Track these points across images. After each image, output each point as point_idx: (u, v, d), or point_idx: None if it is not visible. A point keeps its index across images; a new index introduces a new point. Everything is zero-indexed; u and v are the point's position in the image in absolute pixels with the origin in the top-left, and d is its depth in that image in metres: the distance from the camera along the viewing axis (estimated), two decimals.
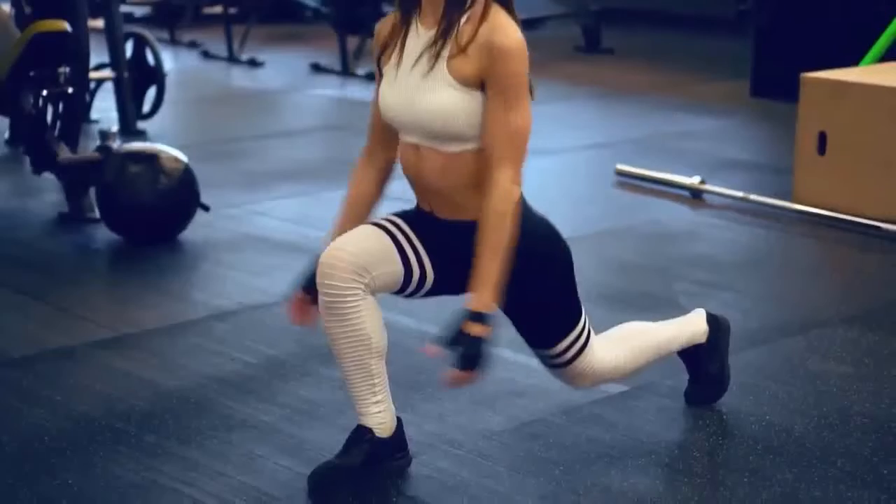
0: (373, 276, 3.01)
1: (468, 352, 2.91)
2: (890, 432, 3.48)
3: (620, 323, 3.55)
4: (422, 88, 2.99)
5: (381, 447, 3.15)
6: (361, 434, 3.14)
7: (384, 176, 3.25)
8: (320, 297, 3.04)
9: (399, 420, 3.20)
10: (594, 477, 3.23)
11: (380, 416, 3.13)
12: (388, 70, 3.08)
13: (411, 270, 3.08)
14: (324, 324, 3.06)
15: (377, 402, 3.13)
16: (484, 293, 2.93)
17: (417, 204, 3.19)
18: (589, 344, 3.27)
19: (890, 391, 3.76)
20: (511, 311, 3.20)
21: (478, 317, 2.92)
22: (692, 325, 3.57)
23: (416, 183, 3.13)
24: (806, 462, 3.31)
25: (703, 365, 3.59)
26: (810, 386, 3.81)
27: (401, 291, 3.13)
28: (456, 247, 3.06)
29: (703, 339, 3.57)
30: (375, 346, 3.06)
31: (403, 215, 3.16)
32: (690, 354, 3.58)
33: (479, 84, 2.96)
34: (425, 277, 3.10)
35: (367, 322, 3.03)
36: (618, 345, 3.39)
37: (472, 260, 2.95)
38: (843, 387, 3.80)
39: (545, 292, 3.16)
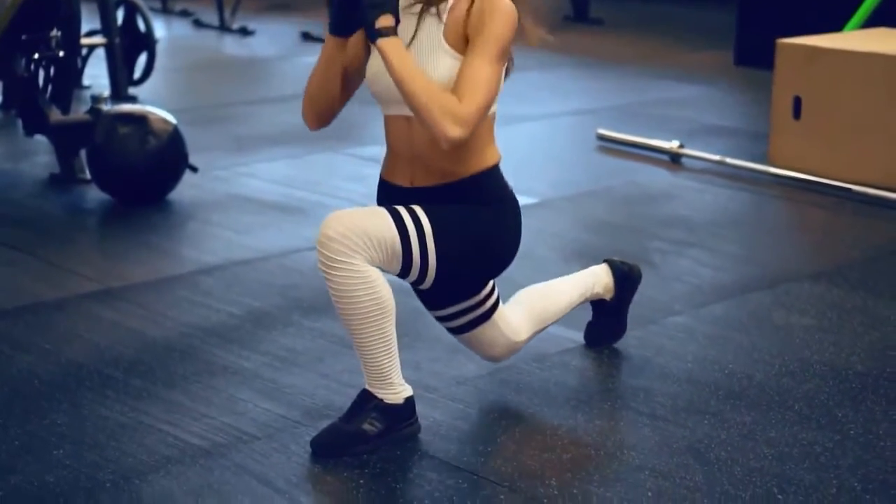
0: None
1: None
2: (847, 379, 3.63)
3: None
4: (421, 63, 3.06)
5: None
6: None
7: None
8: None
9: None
10: (561, 419, 3.37)
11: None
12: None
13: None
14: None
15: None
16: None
17: (385, 184, 3.25)
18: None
19: (850, 342, 3.90)
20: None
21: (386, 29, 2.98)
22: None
23: (403, 155, 3.19)
24: (765, 406, 3.45)
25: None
26: (774, 337, 3.95)
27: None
28: (430, 203, 3.17)
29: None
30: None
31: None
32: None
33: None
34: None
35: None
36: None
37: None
38: (806, 338, 3.94)
39: (472, 220, 3.17)
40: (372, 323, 3.07)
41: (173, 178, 5.37)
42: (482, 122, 3.09)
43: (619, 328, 3.82)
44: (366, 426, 3.14)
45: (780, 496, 2.96)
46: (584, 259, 4.64)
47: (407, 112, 3.10)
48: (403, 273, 3.14)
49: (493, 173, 3.22)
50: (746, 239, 5.03)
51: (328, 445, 3.14)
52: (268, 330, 3.96)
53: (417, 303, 4.13)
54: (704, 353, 3.80)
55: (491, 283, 3.41)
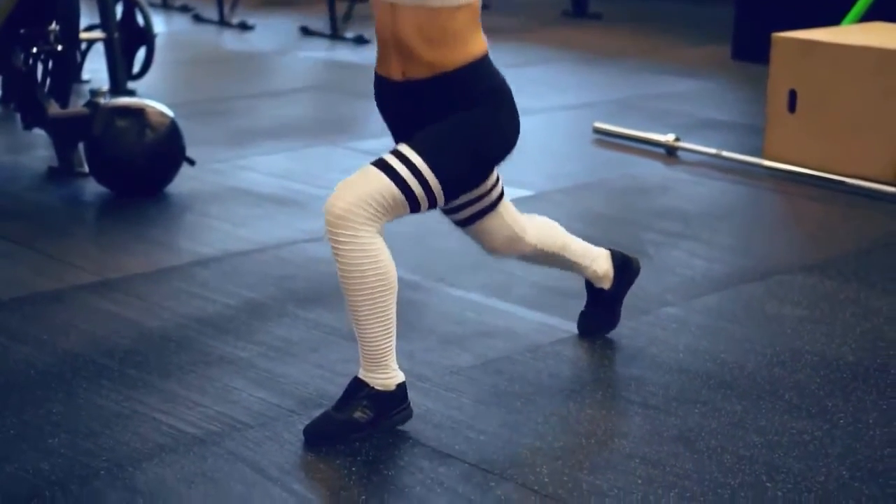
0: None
1: None
2: (838, 369, 3.65)
3: None
4: None
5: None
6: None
7: None
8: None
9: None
10: (553, 408, 3.40)
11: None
12: None
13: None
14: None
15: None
16: None
17: (381, 79, 3.26)
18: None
19: (841, 332, 3.93)
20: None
21: None
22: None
23: (390, 44, 3.18)
24: (755, 395, 3.48)
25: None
26: (766, 328, 3.97)
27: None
28: (425, 107, 3.18)
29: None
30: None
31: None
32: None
33: None
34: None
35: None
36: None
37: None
38: (798, 328, 3.96)
39: (463, 129, 3.17)
40: (375, 299, 3.11)
41: (171, 170, 5.39)
42: (465, 11, 3.11)
43: (612, 319, 3.85)
44: (357, 414, 3.16)
45: (768, 484, 2.99)
46: None
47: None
48: (415, 210, 3.19)
49: (484, 63, 3.20)
50: (740, 231, 5.05)
51: (320, 434, 3.17)
52: (263, 320, 3.98)
53: (410, 294, 4.17)
54: (696, 344, 3.82)
55: (495, 173, 3.41)
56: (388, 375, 3.20)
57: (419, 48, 3.13)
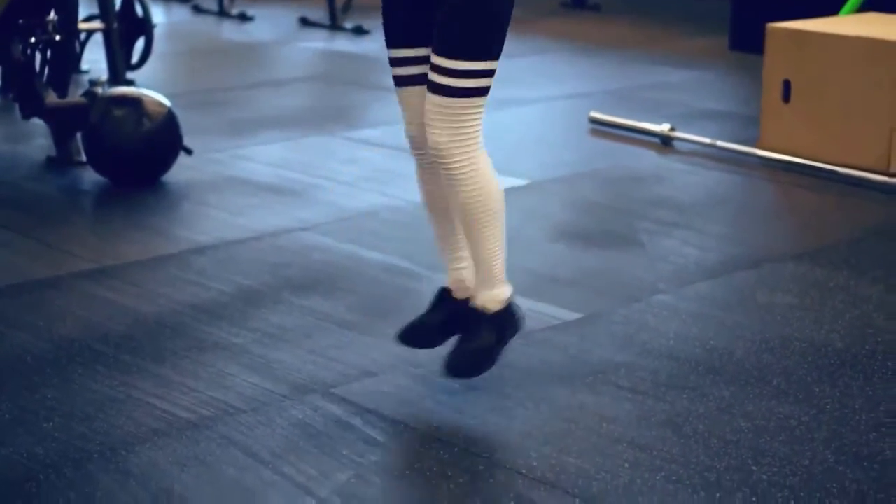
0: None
1: None
2: (826, 356, 3.68)
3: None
4: None
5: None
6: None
7: None
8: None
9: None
10: (543, 393, 3.43)
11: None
12: None
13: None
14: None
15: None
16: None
17: None
18: (477, 104, 3.24)
19: (831, 319, 3.96)
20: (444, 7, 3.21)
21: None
22: (499, 266, 3.42)
23: None
24: (743, 381, 3.51)
25: (480, 334, 3.40)
26: (756, 315, 4.01)
27: None
28: None
29: (497, 306, 3.39)
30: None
31: (388, 34, 3.34)
32: (473, 315, 3.43)
33: None
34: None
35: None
36: (492, 177, 3.33)
37: None
38: (787, 315, 4.00)
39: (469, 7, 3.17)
40: (498, 213, 3.31)
41: (168, 159, 5.43)
42: None
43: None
44: (485, 339, 3.37)
45: (754, 468, 3.02)
46: (571, 239, 4.70)
47: None
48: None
49: None
50: (733, 220, 5.08)
51: (467, 369, 3.37)
52: (257, 307, 4.02)
53: (404, 281, 4.21)
54: (687, 331, 3.85)
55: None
56: (507, 288, 3.41)
57: None
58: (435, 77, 3.21)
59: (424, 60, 3.28)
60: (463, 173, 3.26)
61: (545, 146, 6.17)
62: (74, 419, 3.24)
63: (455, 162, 3.24)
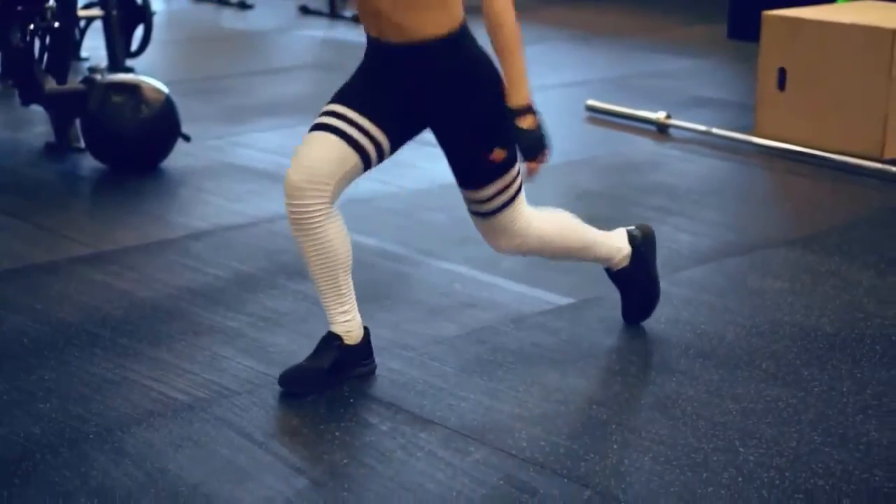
0: (335, 181, 3.22)
1: (529, 142, 3.25)
2: (815, 340, 3.72)
3: None
4: None
5: (349, 353, 3.38)
6: (331, 340, 3.38)
7: None
8: (288, 216, 3.26)
9: (366, 329, 3.44)
10: (534, 376, 3.47)
11: (347, 325, 3.37)
12: None
13: (369, 155, 3.26)
14: (294, 238, 3.29)
15: (344, 312, 3.36)
16: (518, 89, 3.24)
17: (367, 38, 3.34)
18: (518, 199, 3.41)
19: (821, 304, 4.00)
20: (448, 141, 3.35)
21: (523, 110, 3.24)
22: (613, 241, 3.72)
23: (366, 9, 3.27)
24: (733, 364, 3.55)
25: (632, 280, 3.76)
26: (747, 299, 4.04)
27: (368, 170, 3.32)
28: (403, 75, 3.25)
29: (625, 262, 3.73)
30: (342, 260, 3.29)
31: (346, 96, 3.31)
32: (618, 275, 3.76)
33: None
34: (382, 148, 3.29)
35: (332, 237, 3.26)
36: (549, 219, 3.55)
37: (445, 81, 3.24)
38: (778, 300, 4.03)
39: (482, 122, 3.29)
40: (574, 235, 3.64)
41: (165, 146, 5.47)
42: None
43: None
44: (643, 286, 3.79)
45: (741, 449, 3.06)
46: None
47: None
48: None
49: (458, 36, 3.24)
50: (727, 206, 5.11)
51: (643, 315, 3.80)
52: (253, 292, 4.06)
53: (398, 266, 4.25)
54: (678, 315, 3.89)
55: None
56: (621, 248, 3.73)
57: (394, 10, 3.19)
58: (473, 207, 3.42)
59: (360, 127, 3.26)
60: (532, 248, 3.54)
61: None
62: (71, 400, 3.28)
63: (524, 248, 3.53)
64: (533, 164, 3.28)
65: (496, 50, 3.23)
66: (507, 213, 3.41)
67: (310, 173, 3.21)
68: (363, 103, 3.28)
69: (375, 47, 3.31)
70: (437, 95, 3.28)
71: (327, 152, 3.24)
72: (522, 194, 3.45)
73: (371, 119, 3.27)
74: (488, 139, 3.30)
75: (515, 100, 3.24)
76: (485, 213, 3.42)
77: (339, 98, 3.33)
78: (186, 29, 9.29)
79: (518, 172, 3.41)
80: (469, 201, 3.43)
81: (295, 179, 3.22)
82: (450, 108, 3.29)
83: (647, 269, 3.77)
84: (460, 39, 3.25)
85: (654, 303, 3.80)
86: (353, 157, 3.25)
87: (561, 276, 4.16)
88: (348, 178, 3.28)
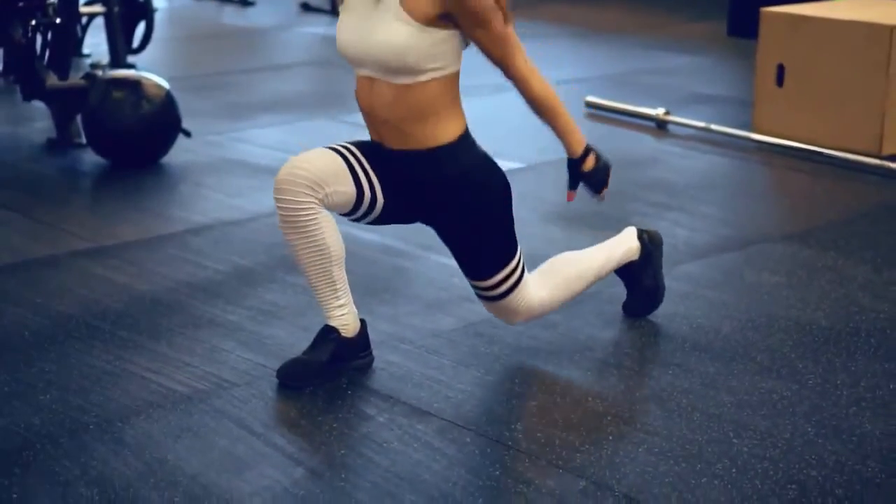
0: (326, 192, 3.24)
1: (595, 179, 3.50)
2: (810, 333, 3.75)
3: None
4: (374, 21, 3.18)
5: (346, 346, 3.41)
6: (327, 333, 3.40)
7: None
8: (277, 211, 3.27)
9: (363, 322, 3.46)
10: (530, 369, 3.50)
11: (343, 318, 3.40)
12: (346, 5, 3.28)
13: (363, 192, 3.31)
14: (284, 236, 3.31)
15: (340, 306, 3.39)
16: (572, 141, 3.45)
17: (370, 135, 3.40)
18: (523, 280, 3.49)
19: (817, 298, 4.02)
20: (449, 239, 3.44)
21: (585, 154, 3.46)
22: (623, 245, 3.78)
23: (368, 115, 3.33)
24: (728, 357, 3.57)
25: (638, 279, 3.82)
26: (743, 294, 4.07)
27: (352, 213, 3.35)
28: (403, 176, 3.31)
29: (635, 255, 3.80)
30: (335, 255, 3.31)
31: (359, 144, 3.38)
32: (625, 269, 3.82)
33: (441, 21, 3.14)
34: (376, 201, 3.33)
35: (325, 233, 3.28)
36: (550, 279, 3.61)
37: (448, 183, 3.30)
38: (774, 294, 4.06)
39: (482, 222, 3.37)
40: (574, 285, 3.70)
41: (166, 141, 5.49)
42: (436, 84, 3.20)
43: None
44: (648, 279, 3.83)
45: (735, 440, 3.08)
46: (564, 221, 4.76)
47: (369, 73, 3.24)
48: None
49: (459, 145, 3.30)
50: (725, 202, 5.14)
51: (649, 307, 3.85)
52: (252, 286, 4.09)
53: (398, 261, 4.27)
54: (674, 309, 3.91)
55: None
56: (629, 243, 3.80)
57: (392, 118, 3.24)
58: (480, 293, 3.50)
59: (365, 169, 3.32)
60: (547, 311, 3.63)
61: (541, 130, 6.16)
62: (71, 392, 3.31)
63: (539, 315, 3.62)
64: (601, 194, 3.55)
65: (541, 116, 3.40)
66: (515, 295, 3.49)
67: (305, 174, 3.22)
68: (373, 163, 3.34)
69: (377, 147, 3.36)
70: (436, 199, 3.35)
71: (327, 164, 3.26)
72: (526, 275, 3.52)
73: (377, 175, 3.33)
74: (489, 237, 3.39)
75: (574, 150, 3.45)
76: (493, 298, 3.50)
77: (352, 142, 3.38)
78: (188, 26, 9.32)
79: (520, 257, 3.48)
80: (476, 288, 3.50)
81: (287, 177, 3.23)
82: (450, 211, 3.36)
83: (653, 269, 3.81)
84: (462, 145, 3.30)
85: (658, 301, 3.84)
86: (349, 182, 3.28)
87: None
88: (339, 198, 3.28)
